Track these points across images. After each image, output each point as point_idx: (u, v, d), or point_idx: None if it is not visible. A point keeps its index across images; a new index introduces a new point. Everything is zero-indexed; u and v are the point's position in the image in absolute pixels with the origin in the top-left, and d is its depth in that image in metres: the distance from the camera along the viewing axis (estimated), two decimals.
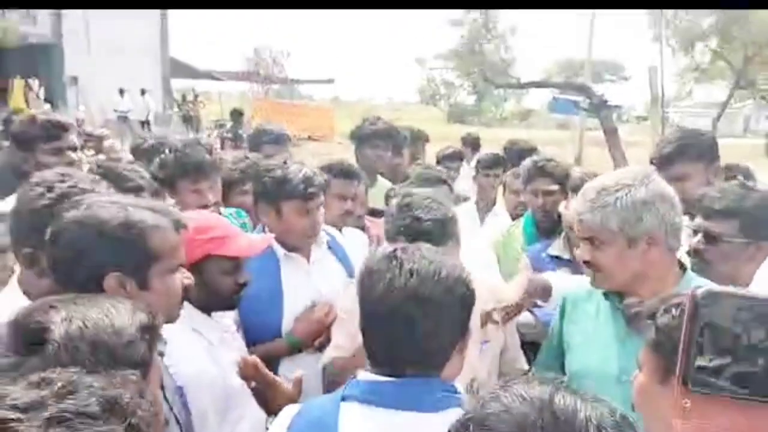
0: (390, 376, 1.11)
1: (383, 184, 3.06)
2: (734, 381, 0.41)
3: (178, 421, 1.32)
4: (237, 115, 11.20)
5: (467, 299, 1.16)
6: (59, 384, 0.70)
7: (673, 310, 0.85)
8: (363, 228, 2.56)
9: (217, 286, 1.61)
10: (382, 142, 3.20)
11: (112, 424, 0.68)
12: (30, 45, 17.31)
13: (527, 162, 2.69)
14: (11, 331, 0.93)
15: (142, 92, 18.10)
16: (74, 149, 2.42)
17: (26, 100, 16.82)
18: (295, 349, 1.97)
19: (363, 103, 42.66)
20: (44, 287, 1.25)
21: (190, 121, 20.71)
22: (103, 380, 0.74)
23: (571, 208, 1.56)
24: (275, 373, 1.63)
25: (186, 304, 1.45)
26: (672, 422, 0.41)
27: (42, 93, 17.04)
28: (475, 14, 15.47)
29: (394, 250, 1.17)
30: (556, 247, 2.40)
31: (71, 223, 1.19)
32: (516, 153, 4.00)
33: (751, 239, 1.65)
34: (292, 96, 30.01)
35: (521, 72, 32.18)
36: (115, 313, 0.95)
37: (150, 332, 0.97)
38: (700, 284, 0.81)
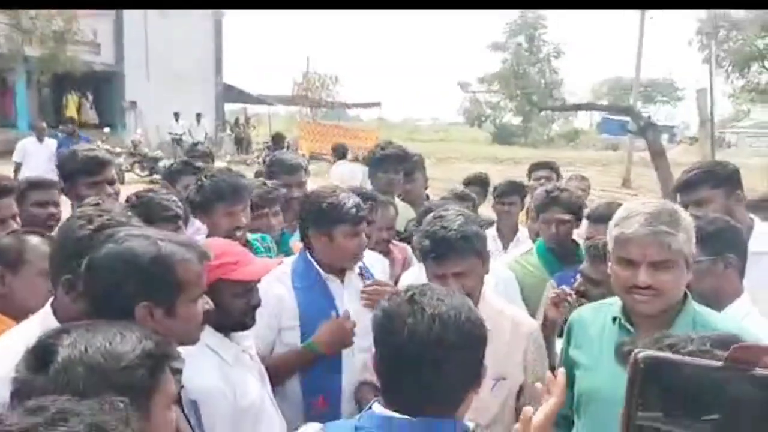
0: (406, 413, 1.13)
1: (401, 206, 3.13)
2: None
3: None
4: (279, 138, 11.74)
5: (483, 340, 1.19)
6: (52, 411, 0.78)
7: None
8: (386, 252, 2.65)
9: (229, 307, 1.71)
10: (392, 166, 3.29)
11: None
12: (94, 72, 18.44)
13: (539, 192, 2.74)
14: (31, 348, 1.03)
15: (198, 117, 18.90)
16: (112, 183, 2.54)
17: (78, 112, 18.72)
18: (316, 356, 2.05)
19: (408, 123, 42.96)
20: (76, 312, 1.33)
21: (240, 143, 21.46)
22: (93, 407, 0.81)
23: (632, 230, 1.50)
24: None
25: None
26: None
27: (92, 108, 19.21)
28: (520, 38, 15.52)
29: (413, 294, 1.19)
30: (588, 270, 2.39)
31: (108, 256, 1.28)
32: (540, 170, 4.04)
33: (713, 255, 1.78)
34: (339, 118, 30.58)
35: (568, 92, 31.83)
36: (119, 340, 1.02)
37: (154, 359, 1.03)
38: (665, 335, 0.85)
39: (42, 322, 1.45)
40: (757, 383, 0.43)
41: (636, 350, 0.46)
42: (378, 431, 1.13)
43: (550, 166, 4.22)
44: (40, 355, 1.01)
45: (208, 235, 2.35)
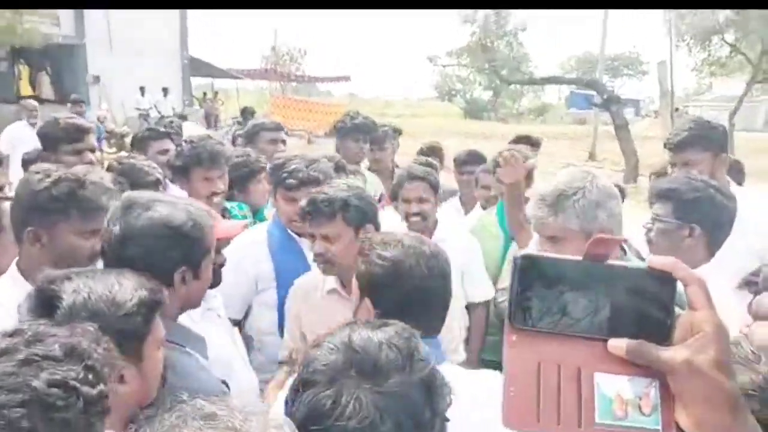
0: None
1: (369, 177, 3.22)
2: (545, 320, 0.53)
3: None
4: (248, 112, 11.54)
5: (449, 272, 1.42)
6: (28, 334, 0.85)
7: None
8: None
9: None
10: (362, 135, 3.41)
11: (72, 365, 0.83)
12: (55, 45, 17.83)
13: (495, 155, 2.86)
14: (34, 295, 1.08)
15: (165, 91, 18.48)
16: (93, 150, 2.61)
17: (33, 87, 18.39)
18: None
19: (379, 99, 42.69)
20: (42, 264, 1.35)
21: (209, 118, 21.11)
22: (66, 330, 0.89)
23: (529, 212, 1.71)
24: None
25: None
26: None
27: (48, 84, 18.66)
28: (487, 11, 15.57)
29: (404, 242, 1.39)
30: None
31: (148, 224, 1.29)
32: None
33: (682, 221, 1.83)
34: (309, 93, 30.26)
35: (536, 68, 32.04)
36: (117, 288, 1.08)
37: (148, 306, 1.10)
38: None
39: (11, 278, 1.51)
40: (609, 273, 0.53)
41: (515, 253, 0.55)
42: None
43: (532, 141, 4.26)
44: (45, 300, 1.06)
45: None
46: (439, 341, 1.36)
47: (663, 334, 0.53)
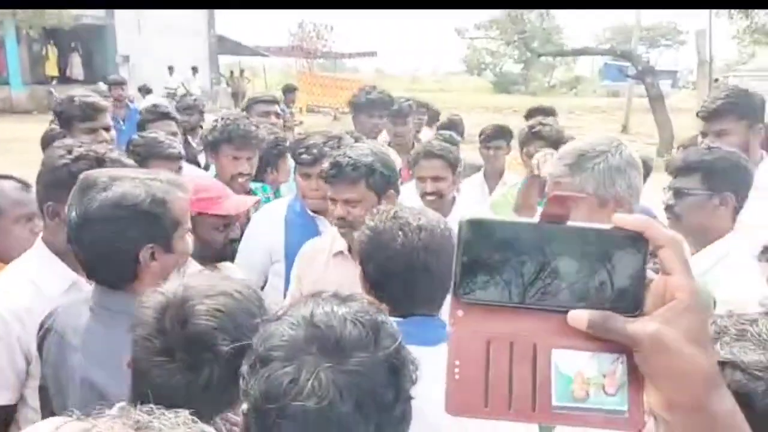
0: (397, 316, 1.24)
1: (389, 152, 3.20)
2: (495, 292, 0.48)
3: None
4: (290, 90, 9.90)
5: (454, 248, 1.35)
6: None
7: None
8: None
9: (209, 240, 1.81)
10: (377, 110, 3.36)
11: None
12: (84, 25, 18.06)
13: (522, 128, 2.77)
14: (161, 317, 1.00)
15: (194, 70, 18.59)
16: (107, 129, 2.62)
17: (59, 69, 18.71)
18: None
19: (407, 74, 42.27)
20: (64, 237, 1.34)
21: (236, 96, 21.22)
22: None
23: (546, 170, 1.65)
24: None
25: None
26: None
27: (80, 65, 18.88)
28: None
29: (395, 212, 1.36)
30: None
31: (104, 205, 1.25)
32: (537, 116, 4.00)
33: (713, 191, 1.77)
34: (335, 69, 30.13)
35: (570, 39, 31.17)
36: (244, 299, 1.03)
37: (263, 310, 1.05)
38: None
39: (38, 255, 1.54)
40: (569, 236, 0.47)
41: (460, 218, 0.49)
42: None
43: (547, 111, 4.17)
44: (180, 321, 1.00)
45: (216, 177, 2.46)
46: (438, 320, 1.31)
47: (632, 304, 0.47)
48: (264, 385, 0.78)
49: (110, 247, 1.25)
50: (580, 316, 0.46)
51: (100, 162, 1.53)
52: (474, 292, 0.48)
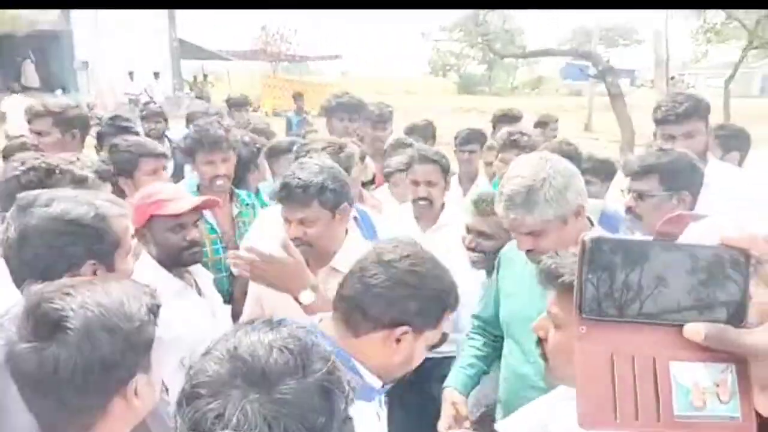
0: None
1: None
2: (616, 308, 0.50)
3: None
4: (299, 97, 9.45)
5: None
6: None
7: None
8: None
9: (164, 243, 1.79)
10: (347, 114, 3.38)
11: None
12: (40, 31, 17.52)
13: (502, 133, 2.81)
14: (28, 316, 0.98)
15: (156, 75, 18.22)
16: (42, 134, 2.69)
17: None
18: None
19: (372, 76, 42.30)
20: None
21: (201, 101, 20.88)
22: None
23: (499, 213, 1.64)
24: None
25: (148, 259, 1.67)
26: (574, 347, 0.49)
27: (33, 71, 18.31)
28: None
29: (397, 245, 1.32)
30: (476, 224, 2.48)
31: (45, 220, 1.23)
32: (505, 122, 4.03)
33: (671, 191, 1.86)
34: (300, 73, 29.96)
35: (532, 41, 31.72)
36: (125, 299, 1.01)
37: (153, 311, 1.05)
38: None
39: None
40: (680, 253, 0.50)
41: (582, 235, 0.52)
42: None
43: (514, 116, 4.08)
44: (48, 321, 0.97)
45: (198, 184, 2.58)
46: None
47: (738, 316, 0.50)
48: (189, 422, 0.76)
49: (51, 263, 1.22)
50: (696, 329, 0.49)
51: (49, 174, 1.52)
52: (595, 309, 0.50)
